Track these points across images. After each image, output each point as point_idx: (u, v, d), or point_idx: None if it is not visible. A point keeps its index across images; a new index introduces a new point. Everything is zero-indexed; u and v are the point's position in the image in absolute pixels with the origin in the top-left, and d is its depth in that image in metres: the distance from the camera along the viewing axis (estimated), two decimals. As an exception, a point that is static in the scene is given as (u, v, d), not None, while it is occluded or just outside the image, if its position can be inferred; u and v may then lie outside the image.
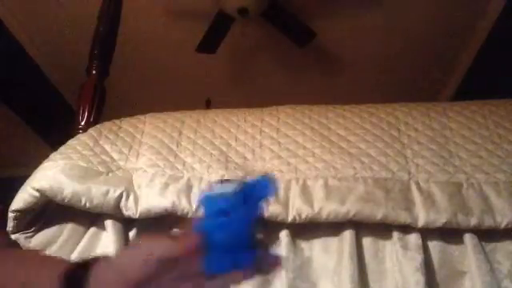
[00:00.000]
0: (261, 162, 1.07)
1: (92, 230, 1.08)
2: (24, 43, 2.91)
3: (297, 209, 0.98)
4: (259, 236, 0.50)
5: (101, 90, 1.44)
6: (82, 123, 1.34)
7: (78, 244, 1.07)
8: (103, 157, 1.11)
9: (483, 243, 0.97)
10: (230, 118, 1.20)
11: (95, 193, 1.01)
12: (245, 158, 1.09)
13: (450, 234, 0.99)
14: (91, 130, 1.21)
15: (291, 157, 1.08)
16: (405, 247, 0.97)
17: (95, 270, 0.44)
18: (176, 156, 1.11)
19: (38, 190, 1.00)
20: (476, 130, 1.11)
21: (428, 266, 0.96)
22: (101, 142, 1.15)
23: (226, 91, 3.29)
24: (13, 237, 1.04)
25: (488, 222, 0.95)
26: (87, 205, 1.01)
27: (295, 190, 1.01)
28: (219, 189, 0.49)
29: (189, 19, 2.79)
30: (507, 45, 2.60)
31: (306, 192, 1.00)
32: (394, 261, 0.97)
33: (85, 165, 1.06)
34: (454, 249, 0.98)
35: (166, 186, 1.03)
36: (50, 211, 1.08)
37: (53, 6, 2.70)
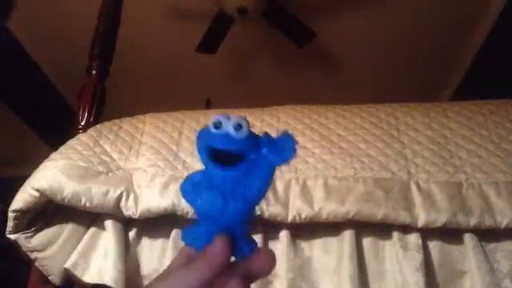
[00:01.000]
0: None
1: (92, 229, 1.08)
2: (24, 43, 2.91)
3: (297, 209, 0.98)
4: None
5: (101, 90, 1.44)
6: (82, 123, 1.34)
7: (77, 244, 1.07)
8: (103, 157, 1.11)
9: (483, 243, 0.97)
10: (229, 118, 1.20)
11: (95, 193, 1.01)
12: (245, 157, 1.09)
13: (450, 234, 0.99)
14: (91, 130, 1.21)
15: (291, 157, 1.08)
16: (405, 247, 0.97)
17: None
18: (176, 156, 1.12)
19: (37, 190, 1.00)
20: (476, 130, 1.11)
21: (428, 266, 0.96)
22: (101, 142, 1.15)
23: (226, 91, 3.29)
24: (13, 237, 1.04)
25: (488, 222, 0.95)
26: (87, 205, 1.01)
27: (295, 190, 1.01)
28: (223, 126, 0.37)
29: (189, 19, 2.79)
30: (507, 45, 2.60)
31: (305, 192, 1.00)
32: (394, 261, 0.97)
33: (85, 165, 1.06)
34: (453, 249, 0.98)
35: (166, 186, 1.03)
36: (50, 211, 1.08)
37: (53, 6, 2.70)
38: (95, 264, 1.04)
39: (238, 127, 0.36)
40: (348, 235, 0.99)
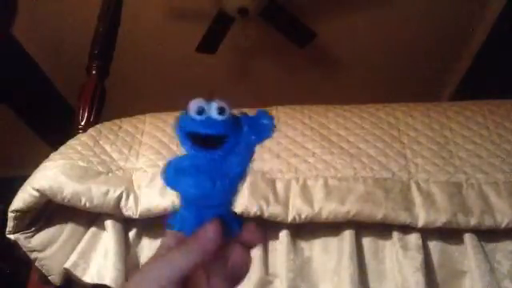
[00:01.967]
0: (261, 162, 1.07)
1: (92, 229, 1.08)
2: (24, 43, 2.91)
3: (297, 209, 0.98)
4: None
5: (101, 90, 1.44)
6: (82, 123, 1.34)
7: (77, 244, 1.07)
8: (103, 157, 1.11)
9: (483, 243, 0.97)
10: (229, 118, 1.20)
11: (95, 193, 1.01)
12: (245, 157, 1.09)
13: (450, 234, 0.99)
14: (91, 130, 1.21)
15: (291, 157, 1.08)
16: (405, 247, 0.97)
17: None
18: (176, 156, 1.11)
19: (37, 190, 1.00)
20: (476, 130, 1.11)
21: (428, 266, 0.96)
22: (101, 142, 1.15)
23: (225, 91, 3.28)
24: (12, 237, 1.04)
25: (488, 222, 0.95)
26: (87, 205, 1.01)
27: (295, 190, 1.01)
28: (206, 111, 0.37)
29: (189, 19, 2.79)
30: (507, 45, 2.60)
31: (306, 192, 1.00)
32: (394, 261, 0.97)
33: (85, 165, 1.06)
34: (453, 249, 0.99)
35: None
36: (50, 211, 1.08)
37: (53, 6, 2.70)
38: (95, 264, 1.04)
39: (221, 110, 0.37)
40: (348, 235, 0.99)
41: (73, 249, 1.06)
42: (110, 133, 1.18)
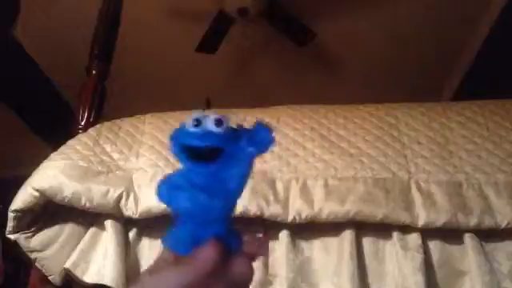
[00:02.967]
0: (261, 162, 1.07)
1: (92, 229, 1.08)
2: (24, 43, 2.91)
3: (297, 209, 0.98)
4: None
5: (101, 90, 1.44)
6: (82, 123, 1.34)
7: (77, 244, 1.07)
8: (103, 157, 1.11)
9: (483, 243, 0.97)
10: (229, 118, 1.20)
11: (95, 193, 1.01)
12: (245, 158, 1.09)
13: (450, 234, 0.99)
14: (91, 130, 1.21)
15: (291, 157, 1.08)
16: (405, 247, 0.97)
17: None
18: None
19: (37, 190, 1.00)
20: (476, 130, 1.11)
21: (428, 266, 0.96)
22: (101, 142, 1.15)
23: (226, 91, 3.28)
24: (12, 237, 1.04)
25: (488, 222, 0.95)
26: (87, 205, 1.01)
27: (295, 190, 1.01)
28: (203, 124, 0.36)
29: (189, 19, 2.79)
30: (507, 45, 2.60)
31: (306, 192, 1.00)
32: (394, 261, 0.97)
33: (85, 165, 1.06)
34: (454, 249, 0.98)
35: (166, 186, 1.03)
36: (50, 211, 1.08)
37: (53, 6, 2.70)
38: (95, 264, 1.04)
39: (218, 122, 0.36)
40: (348, 235, 0.99)
41: (73, 249, 1.06)
42: (110, 133, 1.18)
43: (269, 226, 1.02)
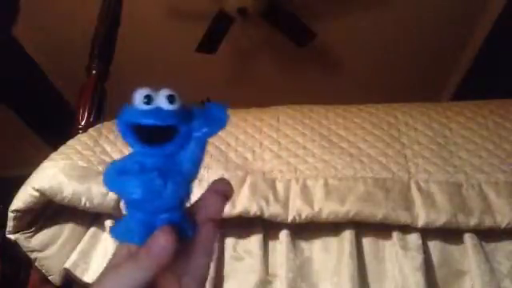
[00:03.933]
0: (261, 162, 1.07)
1: (92, 229, 1.08)
2: (24, 43, 2.91)
3: (297, 209, 0.98)
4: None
5: (101, 90, 1.44)
6: (82, 123, 1.34)
7: (77, 244, 1.07)
8: (103, 157, 1.11)
9: (483, 243, 0.97)
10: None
11: (95, 193, 1.01)
12: (245, 157, 1.09)
13: (450, 234, 0.99)
14: (91, 130, 1.21)
15: (291, 157, 1.08)
16: (405, 247, 0.97)
17: None
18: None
19: (37, 190, 1.00)
20: (476, 130, 1.11)
21: (428, 266, 0.96)
22: (101, 142, 1.15)
23: (226, 91, 3.28)
24: (12, 237, 1.04)
25: (488, 222, 0.95)
26: (87, 205, 1.01)
27: (295, 190, 1.01)
28: (154, 100, 0.32)
29: (189, 19, 2.80)
30: (507, 45, 2.60)
31: (306, 192, 1.00)
32: (394, 261, 0.97)
33: (85, 165, 1.06)
34: (454, 249, 0.98)
35: (166, 186, 1.03)
36: (50, 211, 1.08)
37: (53, 6, 2.70)
38: (95, 264, 1.04)
39: (171, 99, 0.32)
40: (348, 235, 0.99)
41: (73, 249, 1.06)
42: (110, 133, 1.18)
43: (269, 226, 1.02)
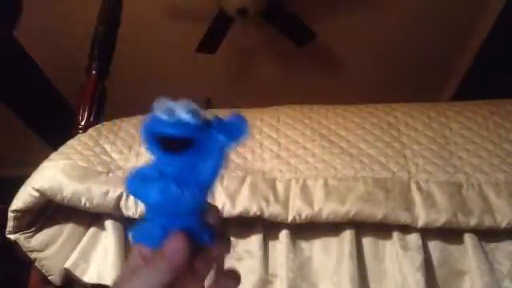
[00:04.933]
0: (260, 162, 1.07)
1: (92, 229, 1.08)
2: (24, 43, 2.91)
3: (297, 209, 0.98)
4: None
5: (101, 89, 1.44)
6: (82, 123, 1.34)
7: (77, 244, 1.07)
8: (103, 157, 1.11)
9: (483, 243, 0.97)
10: (229, 118, 1.20)
11: (95, 193, 1.01)
12: (244, 158, 1.09)
13: (450, 234, 0.99)
14: (91, 130, 1.21)
15: (291, 157, 1.08)
16: (405, 247, 0.97)
17: None
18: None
19: (37, 190, 1.00)
20: (476, 130, 1.11)
21: (428, 266, 0.96)
22: (101, 142, 1.15)
23: (226, 91, 3.29)
24: (12, 237, 1.04)
25: (488, 222, 0.95)
26: (87, 205, 1.01)
27: (295, 190, 1.01)
28: (173, 112, 0.34)
29: (189, 19, 2.80)
30: (507, 45, 2.60)
31: (306, 192, 1.00)
32: (394, 261, 0.97)
33: (85, 165, 1.06)
34: (454, 249, 0.98)
35: (166, 185, 1.03)
36: (50, 211, 1.08)
37: (53, 6, 2.70)
38: (95, 264, 1.04)
39: (192, 111, 0.34)
40: (348, 235, 0.99)
41: (73, 249, 1.06)
42: (110, 133, 1.18)
43: (269, 226, 1.03)
